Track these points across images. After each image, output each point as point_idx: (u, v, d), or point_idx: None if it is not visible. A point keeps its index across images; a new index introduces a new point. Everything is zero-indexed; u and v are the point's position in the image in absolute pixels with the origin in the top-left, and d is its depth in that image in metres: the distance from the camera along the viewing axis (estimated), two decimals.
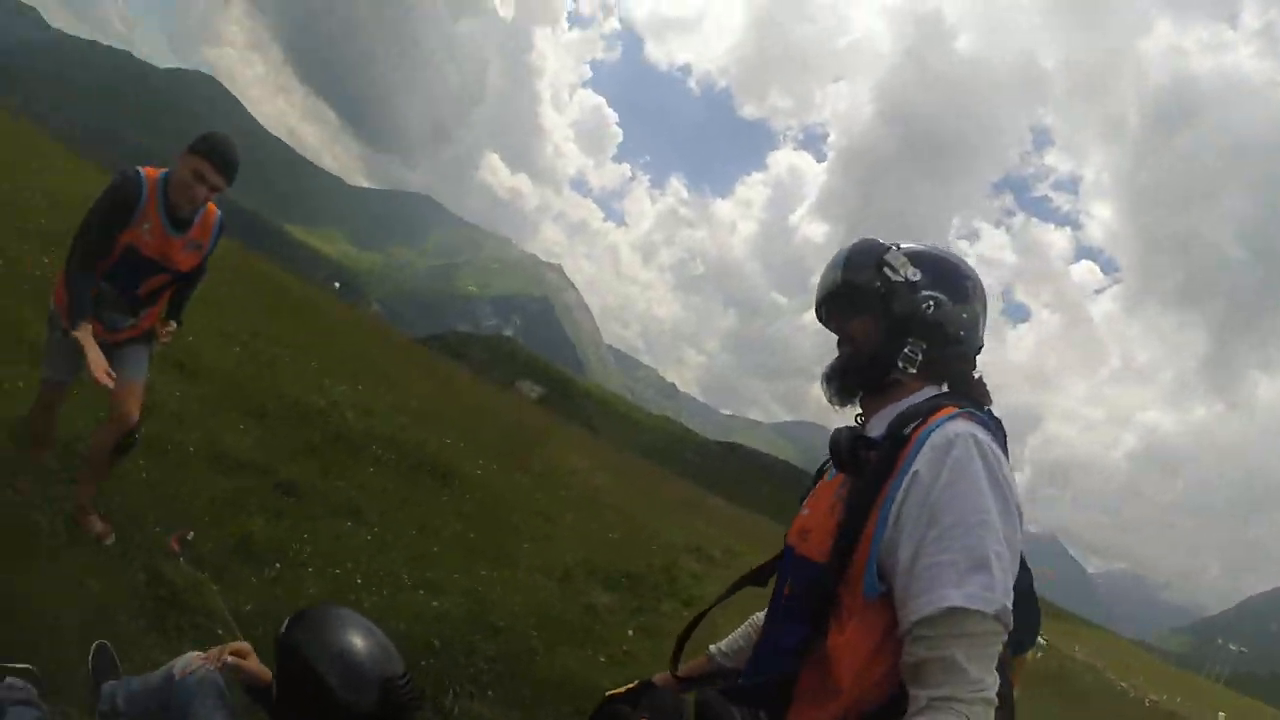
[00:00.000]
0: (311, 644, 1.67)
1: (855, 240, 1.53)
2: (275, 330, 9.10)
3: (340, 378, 8.17)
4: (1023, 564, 1.37)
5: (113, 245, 2.92)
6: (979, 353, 1.51)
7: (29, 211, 8.20)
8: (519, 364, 59.96)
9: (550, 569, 5.55)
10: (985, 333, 1.52)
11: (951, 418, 1.25)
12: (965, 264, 1.52)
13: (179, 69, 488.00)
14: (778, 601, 1.45)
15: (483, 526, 5.79)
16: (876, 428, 1.41)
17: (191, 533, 3.48)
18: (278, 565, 3.76)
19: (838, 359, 1.53)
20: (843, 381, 1.51)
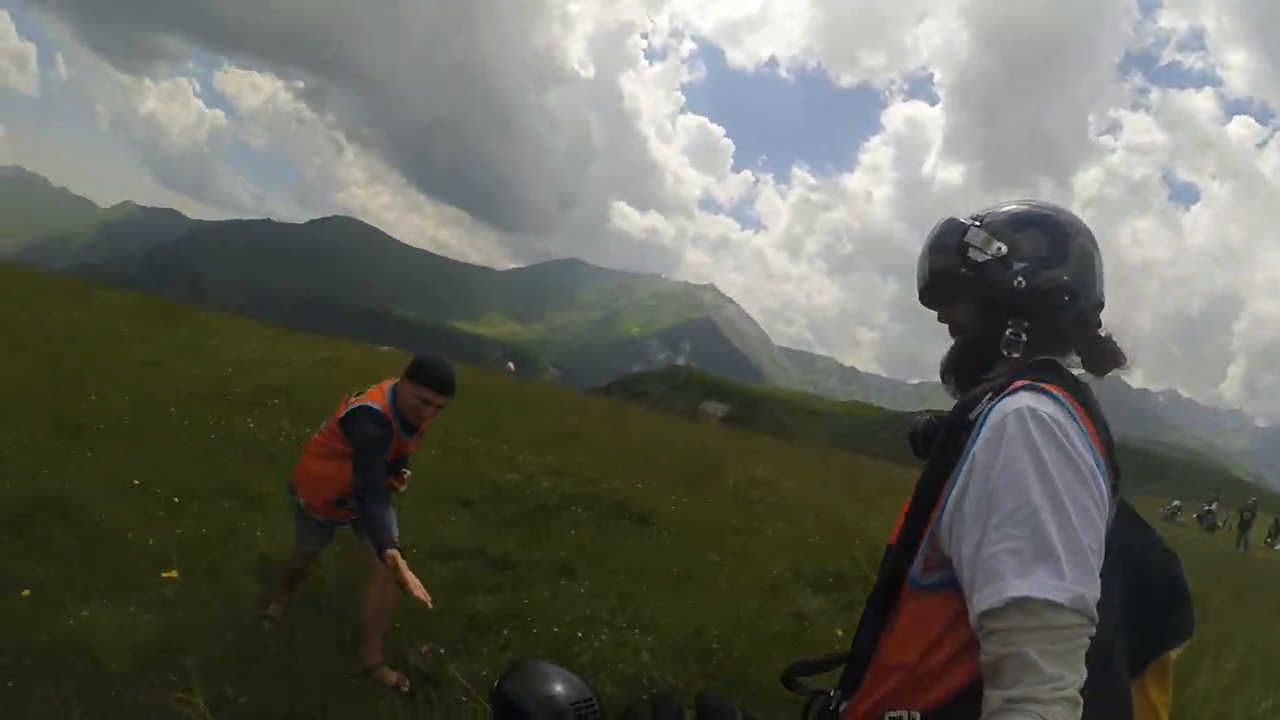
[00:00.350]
0: (508, 682, 1.97)
1: (940, 222, 1.45)
2: (465, 424, 9.79)
3: (530, 450, 8.68)
4: (1168, 550, 1.32)
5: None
6: (1100, 307, 1.38)
7: (225, 380, 9.31)
8: (698, 388, 60.45)
9: (756, 584, 5.64)
10: (1103, 282, 1.38)
11: (1012, 393, 1.17)
12: (1062, 216, 1.39)
13: (317, 219, 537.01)
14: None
15: (684, 557, 5.98)
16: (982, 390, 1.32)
17: (441, 649, 3.87)
18: (505, 633, 4.19)
19: (950, 350, 1.46)
20: (957, 375, 1.44)
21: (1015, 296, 1.32)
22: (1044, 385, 1.17)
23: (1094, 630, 1.02)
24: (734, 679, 3.96)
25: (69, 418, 6.38)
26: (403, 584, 2.90)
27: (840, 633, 4.92)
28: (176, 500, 5.17)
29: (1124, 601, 1.17)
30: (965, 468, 1.14)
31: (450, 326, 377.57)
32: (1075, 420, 1.13)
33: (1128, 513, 1.29)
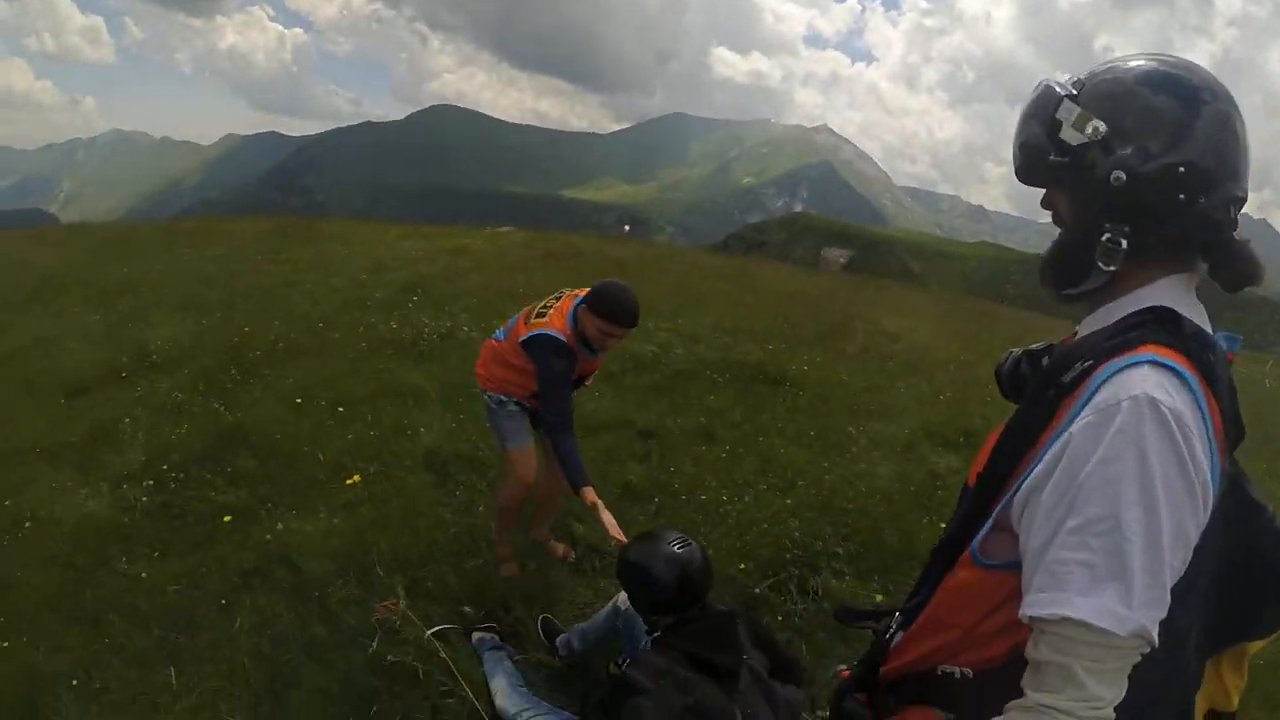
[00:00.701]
0: (630, 550, 2.52)
1: (1036, 88, 1.19)
2: None
3: (660, 316, 8.82)
4: (1273, 530, 1.13)
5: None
6: (1238, 203, 1.07)
7: (362, 286, 9.88)
8: (819, 234, 58.63)
9: (890, 443, 5.75)
10: (1245, 170, 1.08)
11: (1135, 362, 0.98)
12: (1193, 78, 1.07)
13: (415, 112, 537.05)
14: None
15: (819, 418, 6.16)
16: (1092, 323, 1.17)
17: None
18: (656, 500, 4.55)
19: (1050, 246, 1.24)
20: (1052, 279, 1.21)
21: (1114, 194, 1.08)
22: (1173, 357, 0.98)
23: (1149, 649, 0.96)
24: (868, 541, 4.18)
25: (228, 352, 6.93)
26: (600, 524, 2.98)
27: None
28: (341, 409, 5.59)
29: (1215, 588, 1.06)
30: (1056, 447, 1.00)
31: (563, 196, 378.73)
32: (1203, 413, 0.96)
33: (1240, 492, 1.12)
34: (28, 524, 4.33)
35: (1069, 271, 1.17)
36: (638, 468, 5.02)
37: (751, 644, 2.30)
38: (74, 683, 3.17)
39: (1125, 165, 1.06)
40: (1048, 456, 1.01)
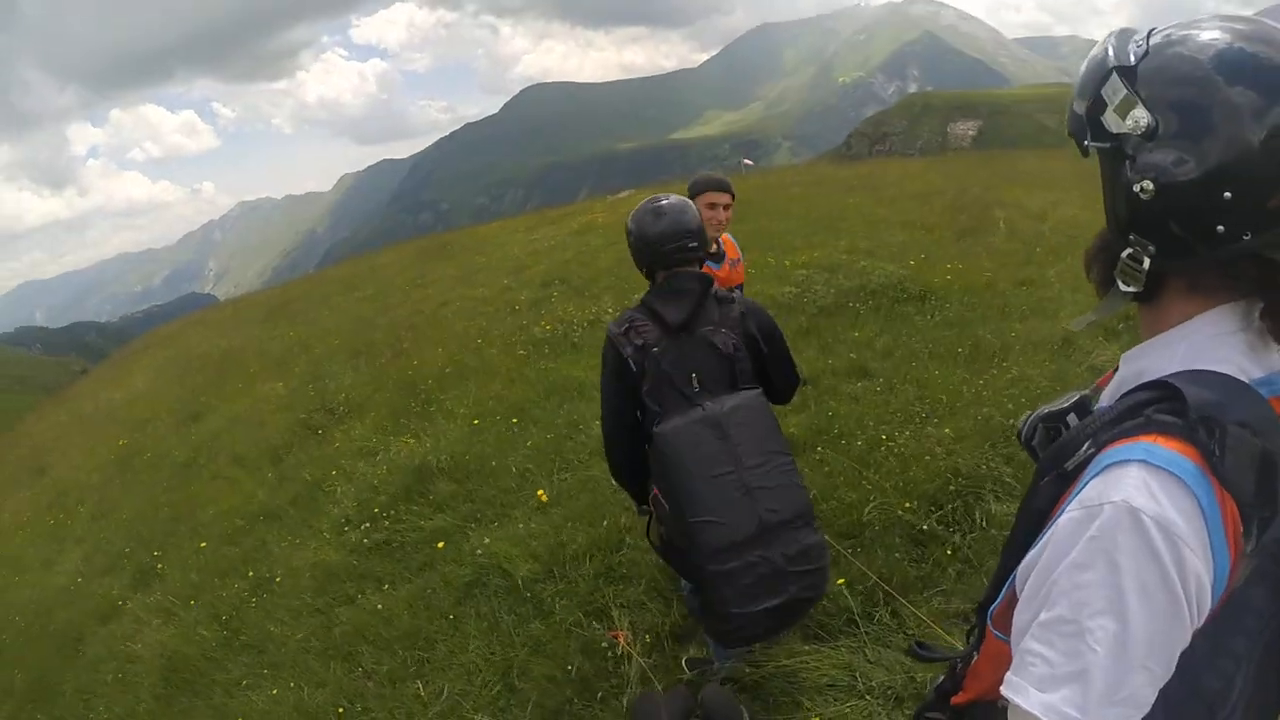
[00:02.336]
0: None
1: (1104, 39, 0.98)
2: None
3: (794, 251, 8.67)
4: None
5: None
6: None
7: (505, 290, 10.32)
8: (940, 112, 54.93)
9: (1046, 342, 5.51)
10: None
11: (1126, 459, 0.88)
12: (1268, 60, 0.84)
13: (508, 100, 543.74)
14: None
15: (969, 329, 5.97)
16: (1130, 365, 1.04)
17: None
18: (818, 450, 4.59)
19: (1098, 236, 1.07)
20: (1098, 269, 1.06)
21: (1139, 205, 0.91)
22: (1175, 448, 0.86)
23: None
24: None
25: (403, 388, 7.54)
26: None
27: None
28: (515, 420, 6.00)
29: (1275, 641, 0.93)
30: (1046, 535, 0.93)
31: (674, 140, 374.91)
32: (1204, 512, 0.85)
33: None
34: (277, 579, 4.98)
35: (1101, 274, 1.04)
36: (795, 418, 5.06)
37: None
38: (340, 710, 3.68)
39: (1157, 175, 0.89)
40: (1039, 542, 0.94)
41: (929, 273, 7.28)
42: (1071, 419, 1.09)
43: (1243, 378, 0.91)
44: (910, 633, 3.04)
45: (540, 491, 4.86)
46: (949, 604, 3.21)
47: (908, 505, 3.80)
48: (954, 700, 1.22)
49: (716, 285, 2.91)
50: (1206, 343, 0.94)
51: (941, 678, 1.30)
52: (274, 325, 13.88)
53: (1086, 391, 1.15)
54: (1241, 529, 0.86)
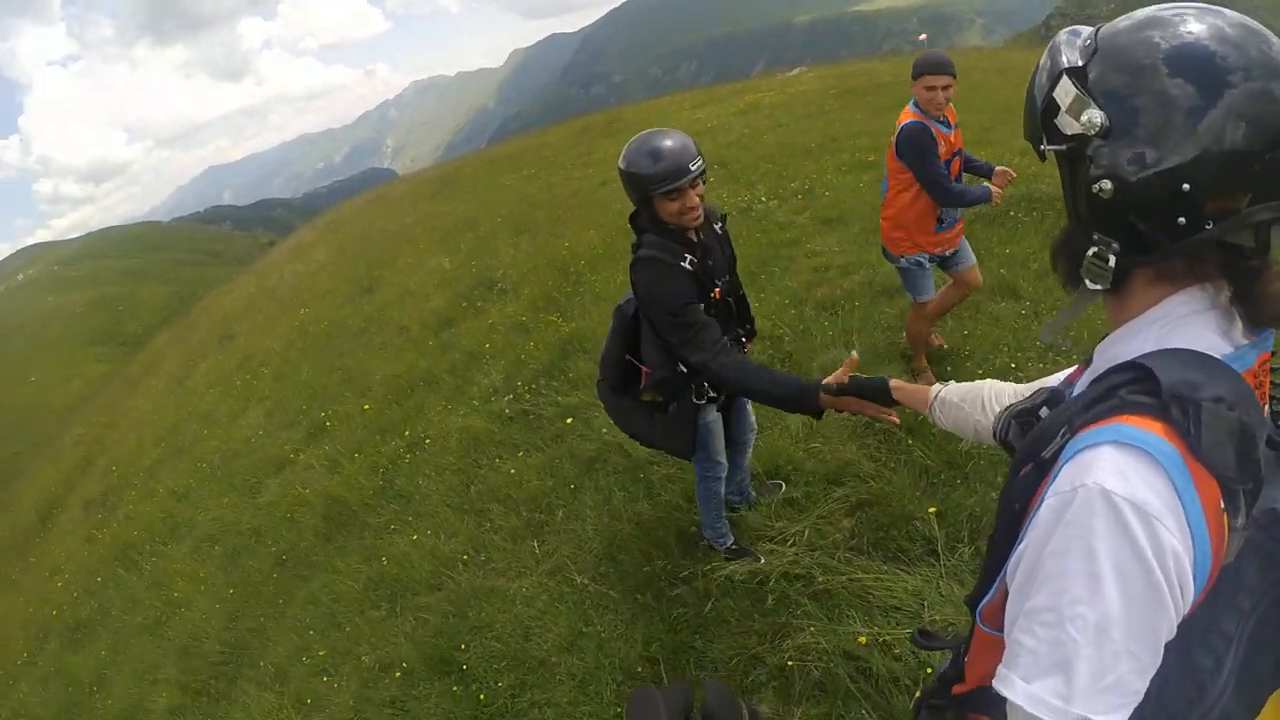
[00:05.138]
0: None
1: (1057, 36, 0.98)
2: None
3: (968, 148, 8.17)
4: None
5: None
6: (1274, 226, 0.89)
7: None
8: None
9: None
10: None
11: (1097, 442, 0.88)
12: (1215, 50, 0.85)
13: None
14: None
15: None
16: (1102, 355, 1.04)
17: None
18: (948, 368, 4.54)
19: (1064, 228, 1.06)
20: (1059, 270, 1.07)
21: (1100, 205, 0.92)
22: (1148, 427, 0.86)
23: None
24: None
25: (558, 267, 7.86)
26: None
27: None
28: None
29: (1270, 628, 0.95)
30: (1029, 526, 0.94)
31: (855, 11, 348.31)
32: (1179, 492, 0.85)
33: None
34: (429, 440, 5.59)
35: (1071, 272, 1.02)
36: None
37: None
38: (465, 558, 4.25)
39: (1114, 173, 0.90)
40: (1023, 535, 0.95)
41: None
42: (1044, 413, 1.12)
43: (1215, 354, 0.91)
44: None
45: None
46: None
47: None
48: (955, 689, 1.25)
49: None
50: (1177, 324, 0.94)
51: (945, 665, 1.33)
52: (444, 202, 14.58)
53: (1057, 386, 1.18)
54: (1223, 505, 0.86)
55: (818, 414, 2.16)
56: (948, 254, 4.10)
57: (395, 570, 4.42)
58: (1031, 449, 0.98)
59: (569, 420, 5.06)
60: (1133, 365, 0.92)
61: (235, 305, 15.92)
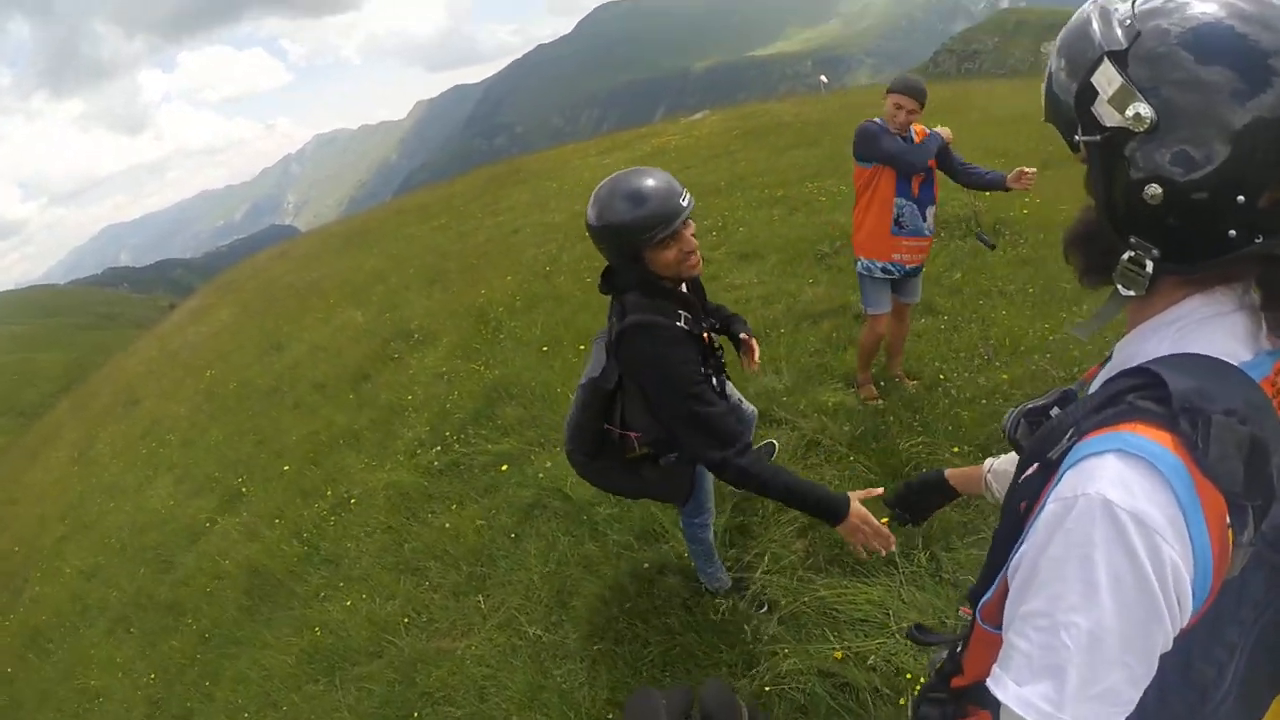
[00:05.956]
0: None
1: (1082, 11, 0.91)
2: (798, 168, 9.76)
3: None
4: None
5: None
6: None
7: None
8: (1034, 29, 51.36)
9: None
10: None
11: (1102, 450, 0.85)
12: (1261, 36, 0.78)
13: (581, 19, 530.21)
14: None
15: (1043, 269, 5.78)
16: (1120, 354, 1.00)
17: None
18: (881, 384, 4.57)
19: (1078, 217, 1.02)
20: (1077, 256, 1.02)
21: (1145, 209, 0.86)
22: (1154, 437, 0.83)
23: None
24: None
25: (475, 315, 7.73)
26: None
27: None
28: (582, 347, 6.14)
29: (1271, 626, 0.94)
30: (1030, 528, 0.91)
31: (754, 57, 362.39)
32: (1181, 506, 0.82)
33: None
34: (354, 499, 5.32)
35: (1091, 266, 0.99)
36: (851, 351, 5.05)
37: None
38: (405, 620, 4.01)
39: (1161, 175, 0.83)
40: (1024, 537, 0.92)
41: (1006, 205, 7.01)
42: (1054, 412, 1.09)
43: (1232, 361, 0.88)
44: (945, 577, 3.09)
45: None
46: (985, 551, 3.22)
47: (956, 450, 3.81)
48: (954, 683, 1.23)
49: None
50: (1196, 326, 0.91)
51: (943, 659, 1.32)
52: (352, 255, 14.30)
53: (1072, 386, 1.15)
54: (1229, 520, 0.83)
55: (838, 522, 2.12)
56: (907, 267, 4.14)
57: (330, 640, 4.14)
58: (1039, 448, 0.96)
59: (503, 467, 4.91)
60: (1144, 370, 0.89)
61: (137, 370, 15.16)
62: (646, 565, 3.60)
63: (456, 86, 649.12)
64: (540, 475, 4.61)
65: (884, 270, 4.14)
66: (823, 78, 23.98)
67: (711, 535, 3.20)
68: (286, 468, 6.42)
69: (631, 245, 2.18)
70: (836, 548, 3.33)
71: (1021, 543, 0.92)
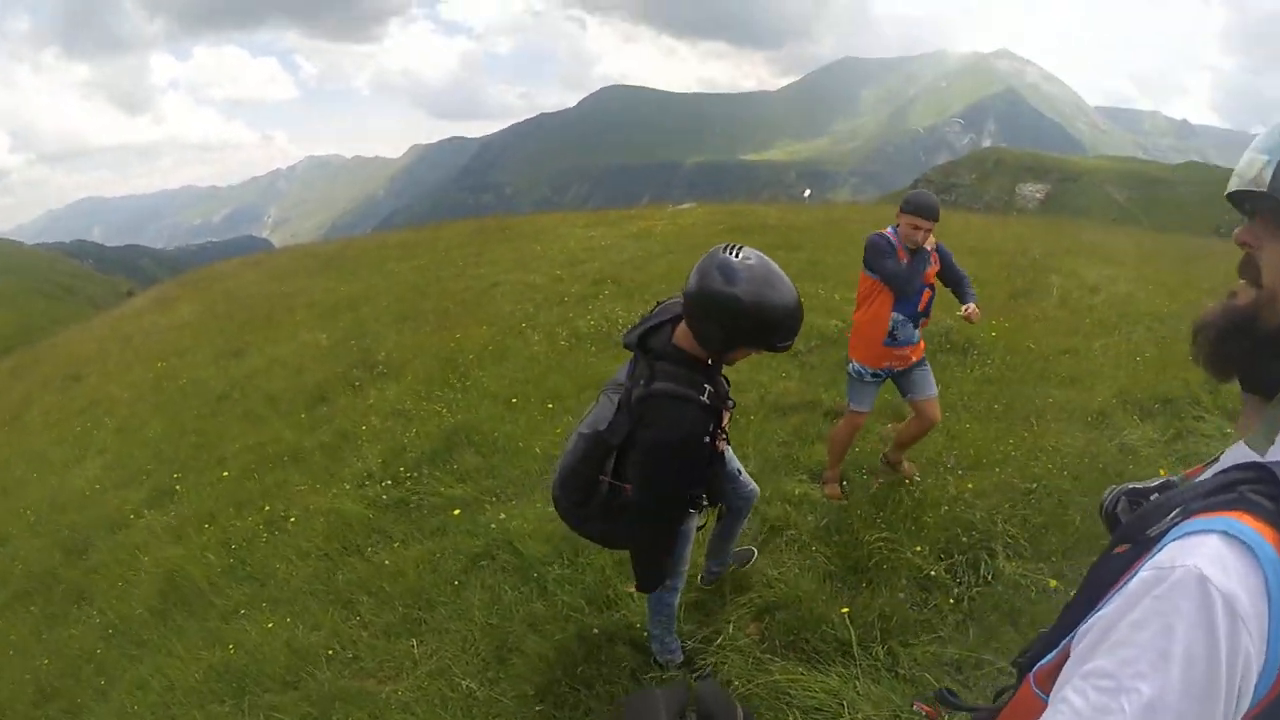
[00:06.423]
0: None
1: None
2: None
3: (846, 286, 8.46)
4: None
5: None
6: None
7: (558, 281, 10.52)
8: (1011, 170, 54.34)
9: (1082, 413, 5.46)
10: None
11: (1208, 529, 0.86)
12: None
13: (585, 97, 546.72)
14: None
15: (1009, 388, 5.92)
16: (1232, 455, 1.00)
17: None
18: (844, 483, 4.59)
19: (1222, 304, 0.99)
20: (1213, 346, 0.99)
21: None
22: (1258, 529, 0.85)
23: None
24: (1050, 521, 4.05)
25: (445, 358, 7.66)
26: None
27: (1162, 472, 4.64)
28: (549, 405, 6.10)
29: None
30: (1114, 595, 0.91)
31: (743, 160, 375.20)
32: (1267, 597, 0.83)
33: None
34: (291, 520, 5.12)
35: (1231, 359, 0.97)
36: (824, 449, 5.08)
37: None
38: (329, 652, 3.80)
39: None
40: (1109, 600, 0.92)
41: (975, 327, 7.22)
42: (1154, 497, 1.07)
43: None
44: (901, 672, 3.05)
45: None
46: (944, 650, 3.23)
47: (918, 549, 3.82)
48: None
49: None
50: (1239, 485, 0.91)
51: None
52: (326, 279, 14.14)
53: (1174, 478, 1.15)
54: None
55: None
56: (896, 370, 4.25)
57: (244, 661, 3.90)
58: (1138, 525, 0.96)
59: (455, 512, 4.78)
60: (1261, 466, 0.90)
61: (87, 347, 14.65)
62: (596, 630, 3.49)
63: (455, 137, 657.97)
64: (493, 526, 4.48)
65: (873, 375, 4.25)
66: (806, 192, 24.80)
67: (677, 600, 3.13)
68: (225, 474, 6.18)
69: (753, 334, 2.23)
70: (793, 634, 3.28)
71: (1098, 609, 0.91)
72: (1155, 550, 0.89)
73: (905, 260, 3.97)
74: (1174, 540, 0.87)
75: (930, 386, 4.35)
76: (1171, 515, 0.91)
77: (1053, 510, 4.15)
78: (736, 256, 2.19)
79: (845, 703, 2.89)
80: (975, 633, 3.35)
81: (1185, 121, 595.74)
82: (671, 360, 2.33)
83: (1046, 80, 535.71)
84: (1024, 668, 1.09)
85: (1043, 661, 1.03)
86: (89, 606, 5.03)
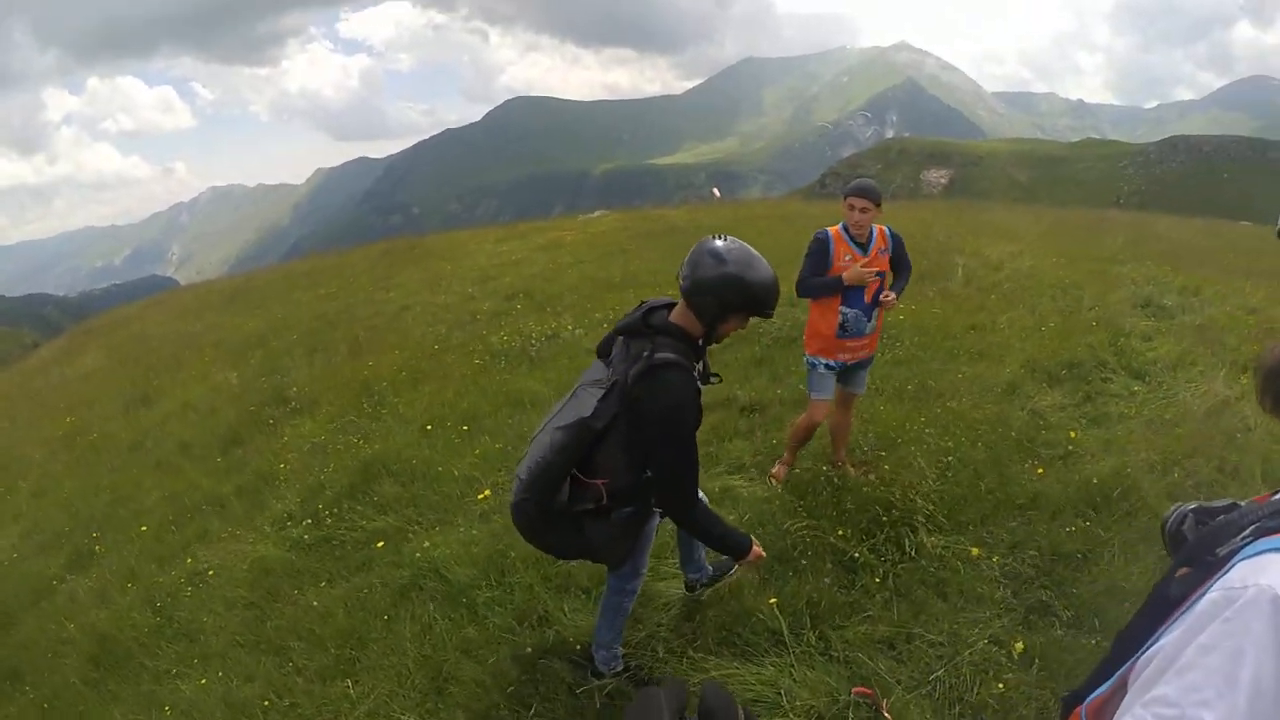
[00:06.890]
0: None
1: None
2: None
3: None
4: None
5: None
6: None
7: (469, 299, 10.44)
8: (915, 158, 56.18)
9: (992, 386, 5.68)
10: None
11: (1274, 547, 0.86)
12: None
13: (491, 110, 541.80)
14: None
15: (920, 367, 6.12)
16: None
17: None
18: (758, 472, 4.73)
19: None
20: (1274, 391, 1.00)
21: None
22: None
23: None
24: (967, 493, 4.21)
25: (358, 388, 7.53)
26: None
27: (1073, 434, 4.94)
28: (465, 427, 6.03)
29: None
30: (1180, 619, 0.89)
31: (652, 164, 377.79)
32: None
33: None
34: (213, 571, 4.92)
35: None
36: (742, 444, 5.20)
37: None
38: (267, 704, 3.66)
39: None
40: (1174, 624, 0.91)
41: (886, 312, 7.45)
42: (1222, 517, 1.05)
43: None
44: (835, 655, 3.12)
45: (485, 492, 4.90)
46: (875, 629, 3.31)
47: (840, 533, 3.91)
48: None
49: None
50: None
51: None
52: (233, 314, 13.70)
53: (1241, 502, 1.12)
54: None
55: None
56: (849, 363, 4.40)
57: None
58: (1206, 543, 0.94)
59: (379, 544, 4.68)
60: None
61: None
62: (529, 649, 3.46)
63: (360, 158, 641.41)
64: (418, 555, 4.40)
65: (827, 366, 4.39)
66: (715, 190, 25.21)
67: (632, 604, 3.15)
68: (144, 528, 5.91)
69: (743, 304, 2.50)
70: (724, 629, 3.32)
71: (1160, 636, 0.90)
72: (1224, 571, 0.87)
73: (848, 255, 4.15)
74: (1244, 560, 0.86)
75: (860, 386, 4.61)
76: (1243, 534, 0.90)
77: (969, 481, 4.31)
78: (722, 243, 2.50)
79: (782, 691, 2.94)
80: (903, 608, 3.44)
81: (1081, 101, 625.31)
82: (671, 335, 2.52)
83: (945, 70, 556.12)
84: (1071, 702, 1.07)
85: (1096, 692, 1.01)
86: (21, 684, 4.75)
